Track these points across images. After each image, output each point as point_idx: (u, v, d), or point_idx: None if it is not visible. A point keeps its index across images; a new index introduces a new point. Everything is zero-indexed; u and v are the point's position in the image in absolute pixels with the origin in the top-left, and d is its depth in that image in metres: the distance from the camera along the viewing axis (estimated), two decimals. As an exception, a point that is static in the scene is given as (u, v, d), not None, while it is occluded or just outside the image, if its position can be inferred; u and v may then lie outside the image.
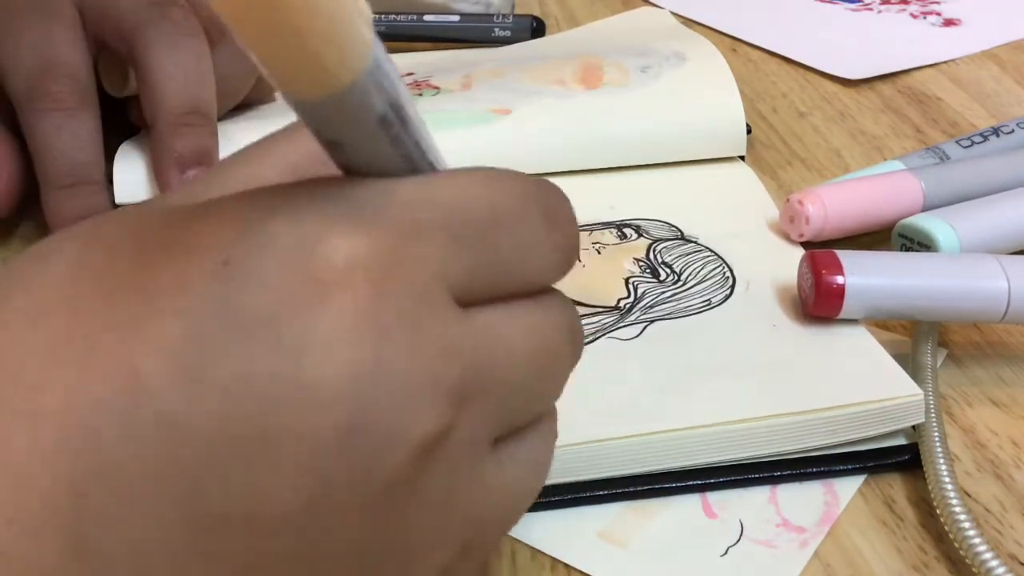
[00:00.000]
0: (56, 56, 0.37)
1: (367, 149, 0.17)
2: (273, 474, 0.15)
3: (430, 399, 0.16)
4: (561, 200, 0.20)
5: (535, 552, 0.27)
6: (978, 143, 0.42)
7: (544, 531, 0.27)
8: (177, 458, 0.15)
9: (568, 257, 0.20)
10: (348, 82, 0.15)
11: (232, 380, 0.15)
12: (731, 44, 0.57)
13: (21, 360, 0.15)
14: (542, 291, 0.20)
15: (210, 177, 0.20)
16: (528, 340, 0.19)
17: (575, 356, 0.21)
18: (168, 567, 0.15)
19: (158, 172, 0.38)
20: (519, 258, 0.19)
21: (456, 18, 0.56)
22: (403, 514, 0.17)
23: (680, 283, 0.35)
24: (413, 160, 0.18)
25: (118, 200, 0.39)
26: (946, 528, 0.27)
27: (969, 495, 0.29)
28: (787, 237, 0.38)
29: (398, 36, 0.55)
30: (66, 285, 0.16)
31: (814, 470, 0.29)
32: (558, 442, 0.22)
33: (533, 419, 0.20)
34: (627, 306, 0.34)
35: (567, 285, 0.20)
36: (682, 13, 0.59)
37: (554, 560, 0.27)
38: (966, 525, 0.26)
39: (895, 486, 0.29)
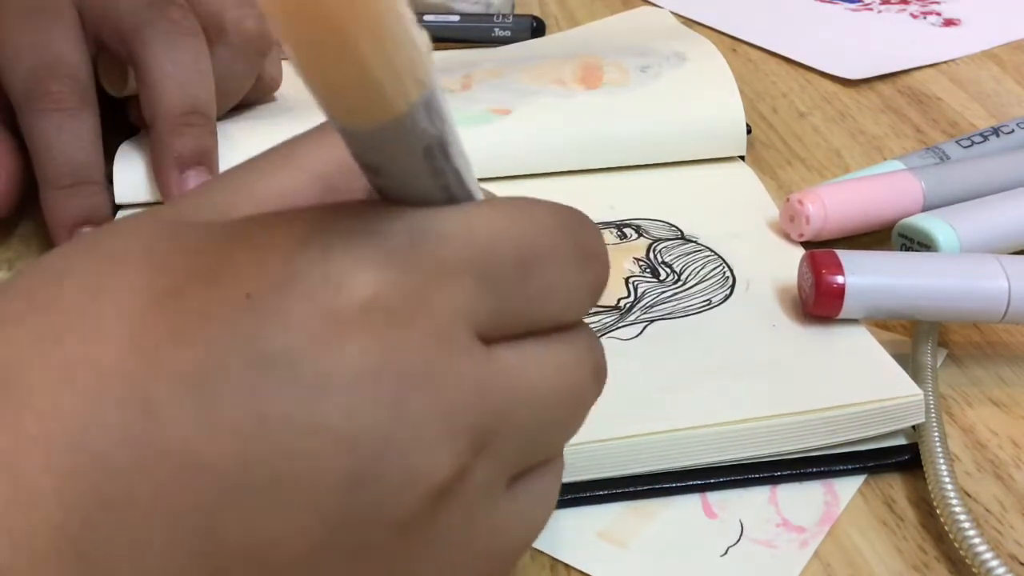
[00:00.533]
0: (56, 56, 0.37)
1: (407, 177, 0.17)
2: (285, 516, 0.15)
3: (447, 444, 0.16)
4: (594, 235, 0.20)
5: (535, 552, 0.27)
6: (978, 143, 0.42)
7: (544, 531, 0.27)
8: (189, 493, 0.15)
9: (598, 293, 0.20)
10: (402, 112, 0.15)
11: (247, 418, 0.15)
12: (731, 44, 0.57)
13: (33, 384, 0.15)
14: (570, 326, 0.20)
15: (231, 182, 0.19)
16: (552, 380, 0.19)
17: (597, 393, 0.21)
18: None
19: (158, 172, 0.37)
20: (548, 297, 0.18)
21: (456, 18, 0.56)
22: (416, 555, 0.17)
23: (680, 283, 0.35)
24: (450, 190, 0.18)
25: (118, 200, 0.39)
26: (946, 528, 0.27)
27: (969, 495, 0.29)
28: (787, 237, 0.38)
29: (398, 36, 0.55)
30: (81, 308, 0.16)
31: (814, 470, 0.29)
32: None
33: (549, 455, 0.20)
34: (627, 306, 0.34)
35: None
36: (682, 13, 0.59)
37: (554, 560, 0.27)
38: (966, 525, 0.26)
39: (895, 486, 0.29)
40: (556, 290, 0.19)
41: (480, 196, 0.19)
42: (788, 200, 0.38)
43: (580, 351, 0.20)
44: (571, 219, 0.19)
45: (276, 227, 0.17)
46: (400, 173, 0.17)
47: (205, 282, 0.16)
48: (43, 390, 0.15)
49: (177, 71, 0.37)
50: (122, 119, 0.41)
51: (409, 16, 0.14)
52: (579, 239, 0.19)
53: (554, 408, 0.19)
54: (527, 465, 0.19)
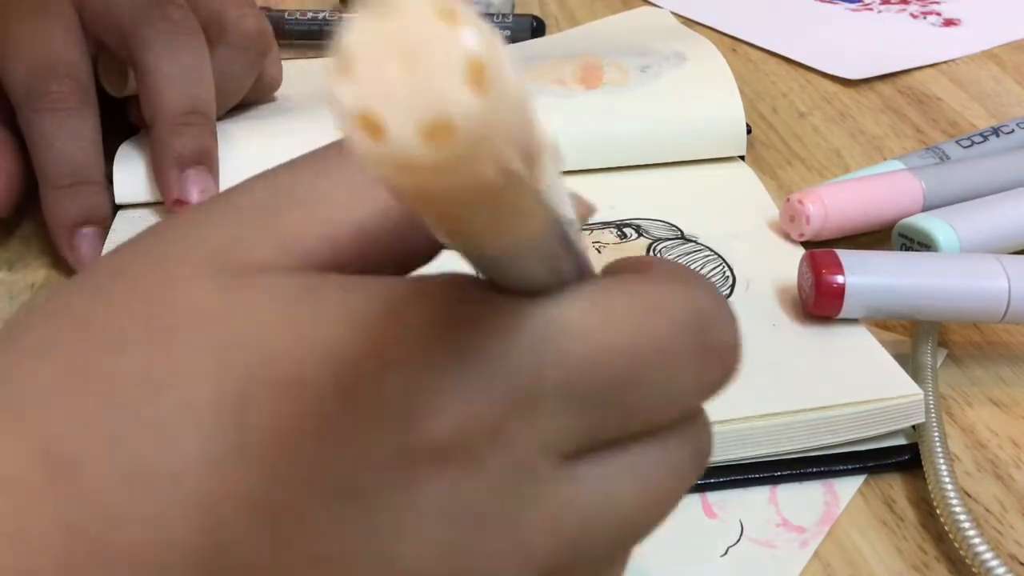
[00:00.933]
0: (55, 56, 0.37)
1: (523, 273, 0.15)
2: None
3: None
4: (725, 329, 0.17)
5: (535, 552, 0.27)
6: (978, 143, 0.42)
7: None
8: None
9: (719, 389, 0.18)
10: (528, 238, 0.14)
11: (322, 551, 0.14)
12: (731, 44, 0.57)
13: (91, 483, 0.14)
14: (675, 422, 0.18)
15: (250, 214, 0.17)
16: (637, 496, 0.17)
17: (689, 487, 0.19)
18: None
19: (157, 172, 0.37)
20: (653, 407, 0.17)
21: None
22: None
23: (680, 283, 0.35)
24: (562, 275, 0.16)
25: (118, 200, 0.39)
26: (946, 528, 0.27)
27: (969, 495, 0.29)
28: (787, 237, 0.38)
29: (398, 36, 0.55)
30: (144, 400, 0.14)
31: (814, 470, 0.29)
32: None
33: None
34: (627, 306, 0.34)
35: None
36: (682, 13, 0.59)
37: (554, 560, 0.27)
38: (966, 525, 0.26)
39: (895, 486, 0.29)
40: (664, 397, 0.17)
41: (590, 268, 0.17)
42: (788, 200, 0.38)
43: (676, 455, 0.17)
44: (699, 314, 0.17)
45: (367, 326, 0.15)
46: (517, 273, 0.15)
47: (281, 390, 0.14)
48: (104, 489, 0.14)
49: (177, 71, 0.37)
50: (122, 119, 0.41)
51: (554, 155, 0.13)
52: (706, 339, 0.17)
53: (635, 524, 0.17)
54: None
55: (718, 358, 0.17)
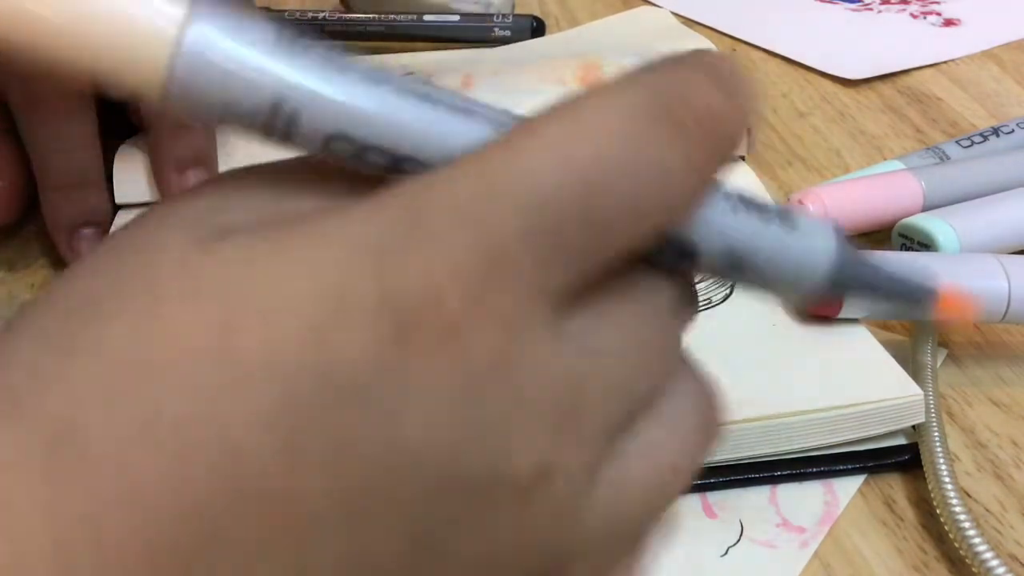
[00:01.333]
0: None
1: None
2: (372, 536, 0.15)
3: (526, 442, 0.15)
4: (699, 89, 0.16)
5: (535, 552, 0.27)
6: (978, 143, 0.42)
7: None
8: (281, 531, 0.14)
9: (717, 163, 0.16)
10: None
11: (332, 453, 0.14)
12: (731, 44, 0.57)
13: (107, 443, 0.14)
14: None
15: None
16: (629, 337, 0.17)
17: (687, 324, 0.18)
18: None
19: (157, 175, 0.38)
20: (640, 211, 0.15)
21: (456, 18, 0.56)
22: (508, 553, 0.16)
23: (680, 283, 0.35)
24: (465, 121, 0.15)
25: (118, 200, 0.39)
26: (946, 528, 0.27)
27: (969, 495, 0.29)
28: (787, 237, 0.38)
29: (398, 36, 0.55)
30: (136, 348, 0.15)
31: (814, 470, 0.29)
32: None
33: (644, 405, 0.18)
34: (627, 306, 0.34)
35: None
36: (682, 13, 0.59)
37: (554, 560, 0.27)
38: (966, 525, 0.26)
39: (895, 486, 0.29)
40: (646, 199, 0.15)
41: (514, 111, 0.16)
42: (788, 200, 0.38)
43: (660, 288, 0.17)
44: (655, 92, 0.15)
45: (317, 244, 0.15)
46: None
47: (268, 316, 0.14)
48: (116, 448, 0.14)
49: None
50: (122, 120, 0.41)
51: None
52: (673, 115, 0.15)
53: (635, 366, 0.17)
54: (618, 429, 0.17)
55: (699, 128, 0.16)
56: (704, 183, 0.16)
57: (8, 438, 0.14)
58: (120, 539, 0.14)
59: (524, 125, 0.15)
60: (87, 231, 0.37)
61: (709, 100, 0.16)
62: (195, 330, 0.14)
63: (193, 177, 0.37)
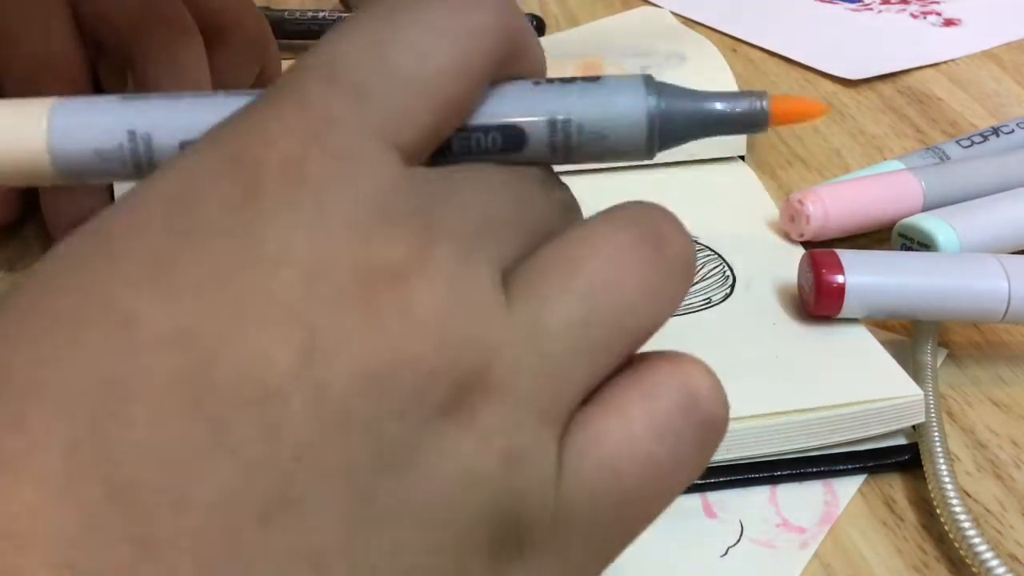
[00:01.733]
0: (51, 56, 0.37)
1: None
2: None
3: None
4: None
5: (535, 552, 0.27)
6: (978, 143, 0.42)
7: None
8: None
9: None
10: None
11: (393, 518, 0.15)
12: (731, 44, 0.57)
13: (164, 455, 0.14)
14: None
15: None
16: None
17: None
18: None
19: None
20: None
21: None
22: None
23: (680, 283, 0.35)
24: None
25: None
26: (946, 528, 0.27)
27: (969, 495, 0.29)
28: (787, 237, 0.38)
29: (398, 36, 0.55)
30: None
31: (814, 470, 0.29)
32: None
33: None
34: (627, 306, 0.34)
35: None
36: (682, 13, 0.59)
37: (554, 560, 0.27)
38: (966, 525, 0.26)
39: (895, 486, 0.29)
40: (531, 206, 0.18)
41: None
42: (788, 200, 0.38)
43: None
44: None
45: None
46: None
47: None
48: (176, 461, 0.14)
49: (173, 71, 0.37)
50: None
51: None
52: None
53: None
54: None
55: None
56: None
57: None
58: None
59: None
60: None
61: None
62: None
63: None
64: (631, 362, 0.17)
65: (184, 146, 0.17)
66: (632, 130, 0.17)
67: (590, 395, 0.17)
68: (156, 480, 0.13)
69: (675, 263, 0.18)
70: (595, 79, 0.18)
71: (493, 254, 0.16)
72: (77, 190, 0.37)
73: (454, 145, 0.17)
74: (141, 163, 0.18)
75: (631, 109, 0.17)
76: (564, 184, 0.19)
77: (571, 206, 0.19)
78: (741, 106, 0.18)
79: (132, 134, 0.17)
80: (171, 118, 0.18)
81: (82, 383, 0.13)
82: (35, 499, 0.13)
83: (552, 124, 0.17)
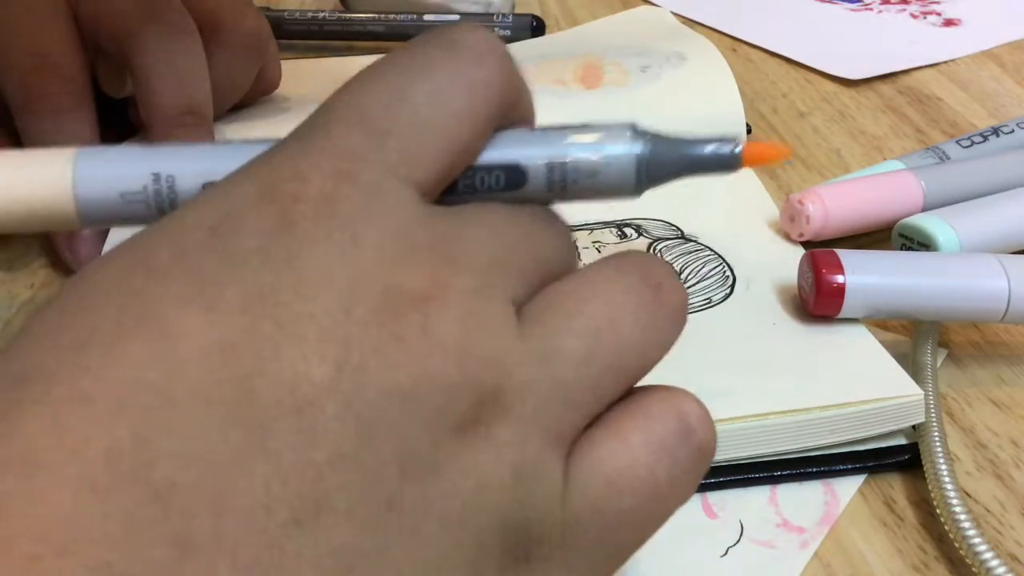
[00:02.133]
0: (51, 58, 0.37)
1: None
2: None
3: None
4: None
5: (535, 552, 0.27)
6: (978, 143, 0.42)
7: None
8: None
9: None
10: None
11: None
12: (731, 44, 0.57)
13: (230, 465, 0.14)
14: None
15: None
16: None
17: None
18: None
19: None
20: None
21: (456, 18, 0.56)
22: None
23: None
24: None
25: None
26: (946, 528, 0.27)
27: (969, 495, 0.29)
28: (787, 237, 0.38)
29: (398, 36, 0.55)
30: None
31: (814, 470, 0.29)
32: None
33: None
34: (627, 306, 0.34)
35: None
36: (682, 13, 0.59)
37: (554, 560, 0.27)
38: (966, 525, 0.26)
39: (895, 486, 0.29)
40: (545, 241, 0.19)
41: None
42: (788, 200, 0.38)
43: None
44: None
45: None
46: None
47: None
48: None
49: (171, 71, 0.37)
50: (122, 119, 0.41)
51: None
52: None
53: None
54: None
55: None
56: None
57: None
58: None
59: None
60: (86, 232, 0.37)
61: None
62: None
63: None
64: (630, 392, 0.19)
65: (207, 187, 0.18)
66: (622, 173, 0.19)
67: (593, 420, 0.18)
68: (196, 484, 0.14)
69: (670, 308, 0.19)
70: (586, 127, 0.20)
71: (505, 285, 0.17)
72: None
73: (460, 184, 0.19)
74: (164, 205, 0.18)
75: (621, 153, 0.19)
76: (564, 220, 0.20)
77: (571, 243, 0.20)
78: (716, 150, 0.20)
79: (156, 176, 0.18)
80: (194, 162, 0.18)
81: (125, 390, 0.14)
82: (75, 503, 0.13)
83: (550, 166, 0.19)
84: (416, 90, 0.17)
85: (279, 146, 0.17)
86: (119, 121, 0.41)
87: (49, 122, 0.36)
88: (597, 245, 0.37)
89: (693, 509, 0.28)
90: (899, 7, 0.61)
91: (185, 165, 0.18)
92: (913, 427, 0.30)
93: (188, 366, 0.14)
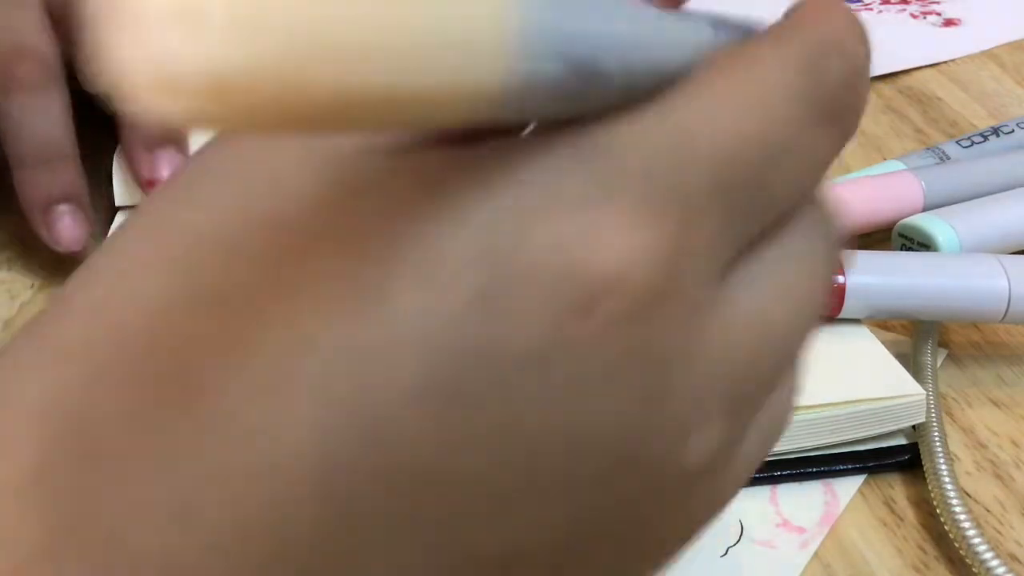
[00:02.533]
0: (21, 41, 0.37)
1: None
2: (535, 518, 0.14)
3: (703, 427, 0.15)
4: (841, 78, 0.16)
5: (535, 552, 0.27)
6: (978, 143, 0.42)
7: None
8: (429, 510, 0.13)
9: (840, 149, 0.16)
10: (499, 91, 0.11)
11: (495, 432, 0.13)
12: (731, 44, 0.57)
13: (237, 405, 0.13)
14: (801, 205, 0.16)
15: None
16: (787, 302, 0.16)
17: (829, 283, 0.18)
18: None
19: (128, 156, 0.38)
20: (788, 190, 0.15)
21: None
22: (663, 527, 0.16)
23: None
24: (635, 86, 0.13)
25: (118, 203, 0.38)
26: (946, 528, 0.27)
27: (969, 495, 0.29)
28: (787, 237, 0.38)
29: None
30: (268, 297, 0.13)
31: (814, 470, 0.29)
32: None
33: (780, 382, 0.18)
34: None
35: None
36: (682, 13, 0.59)
37: (554, 560, 0.27)
38: (966, 525, 0.26)
39: (895, 486, 0.29)
40: (795, 177, 0.15)
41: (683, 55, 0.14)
42: (788, 200, 0.38)
43: (808, 250, 0.16)
44: (812, 74, 0.15)
45: (475, 185, 0.13)
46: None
47: (427, 272, 0.13)
48: (251, 405, 0.13)
49: None
50: (102, 115, 0.41)
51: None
52: (823, 98, 0.15)
53: (794, 333, 0.16)
54: (766, 398, 0.17)
55: (838, 120, 0.16)
56: (825, 172, 0.16)
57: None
58: (251, 513, 0.13)
59: (703, 79, 0.15)
60: (63, 207, 0.36)
61: (849, 97, 0.16)
62: (344, 292, 0.13)
63: (165, 156, 0.37)
64: None
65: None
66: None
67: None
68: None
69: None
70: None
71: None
72: (49, 166, 0.36)
73: None
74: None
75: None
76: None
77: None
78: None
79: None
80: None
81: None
82: None
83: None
84: None
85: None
86: (117, 119, 0.41)
87: (20, 102, 0.36)
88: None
89: (693, 509, 0.28)
90: (899, 7, 0.61)
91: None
92: (913, 427, 0.30)
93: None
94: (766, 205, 0.15)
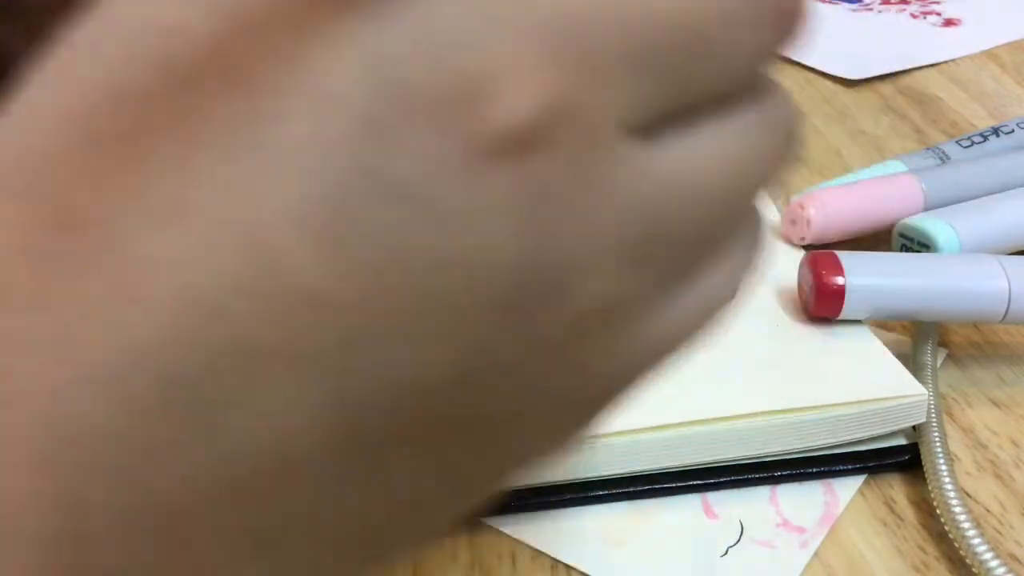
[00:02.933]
0: None
1: None
2: (422, 353, 0.14)
3: (599, 270, 0.14)
4: None
5: (536, 553, 0.27)
6: (978, 143, 0.42)
7: (544, 532, 0.27)
8: (316, 336, 0.13)
9: (775, 48, 0.16)
10: None
11: (380, 255, 0.13)
12: (731, 44, 0.57)
13: (127, 228, 0.13)
14: (751, 86, 0.16)
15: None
16: (723, 173, 0.16)
17: (784, 161, 0.17)
18: (307, 447, 0.14)
19: None
20: (719, 69, 0.15)
21: None
22: (557, 374, 0.15)
23: (680, 283, 0.35)
24: None
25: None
26: (946, 528, 0.27)
27: (969, 495, 0.29)
28: (788, 239, 0.38)
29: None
30: (169, 138, 0.13)
31: (814, 470, 0.29)
32: None
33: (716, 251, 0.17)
34: (627, 306, 0.34)
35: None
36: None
37: (554, 560, 0.27)
38: (966, 525, 0.26)
39: (895, 486, 0.29)
40: (733, 55, 0.15)
41: None
42: (789, 204, 0.38)
43: (749, 126, 0.16)
44: None
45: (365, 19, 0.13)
46: None
47: (313, 104, 0.13)
48: (138, 236, 0.13)
49: None
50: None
51: None
52: None
53: (714, 199, 0.16)
54: (690, 267, 0.17)
55: (777, 17, 0.16)
56: (761, 66, 0.16)
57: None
58: (135, 330, 0.13)
59: None
60: None
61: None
62: (233, 124, 0.13)
63: None
64: None
65: None
66: None
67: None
68: None
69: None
70: None
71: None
72: None
73: None
74: None
75: None
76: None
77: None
78: None
79: None
80: None
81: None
82: None
83: None
84: None
85: None
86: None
87: None
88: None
89: (693, 509, 0.28)
90: (899, 7, 0.61)
91: None
92: (913, 427, 0.30)
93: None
94: (701, 76, 0.15)
